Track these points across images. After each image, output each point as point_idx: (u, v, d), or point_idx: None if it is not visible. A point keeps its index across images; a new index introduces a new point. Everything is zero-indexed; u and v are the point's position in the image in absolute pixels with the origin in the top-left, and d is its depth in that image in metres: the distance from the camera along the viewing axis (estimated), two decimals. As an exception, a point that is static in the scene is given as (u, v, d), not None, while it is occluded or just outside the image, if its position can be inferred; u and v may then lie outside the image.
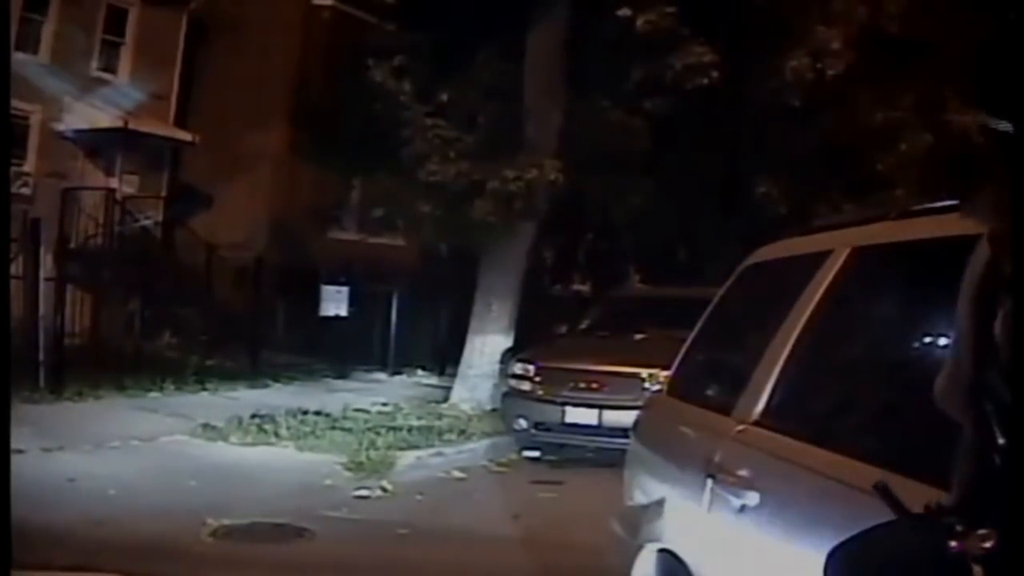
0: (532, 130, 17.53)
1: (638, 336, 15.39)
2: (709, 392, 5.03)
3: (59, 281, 19.00)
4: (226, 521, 9.97)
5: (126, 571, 7.95)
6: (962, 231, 2.00)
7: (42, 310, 17.93)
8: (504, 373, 16.51)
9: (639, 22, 16.90)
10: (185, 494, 11.12)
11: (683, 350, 5.59)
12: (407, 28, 19.49)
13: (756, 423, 3.98)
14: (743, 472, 3.79)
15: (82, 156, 25.87)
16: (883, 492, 1.95)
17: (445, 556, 9.44)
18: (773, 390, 3.99)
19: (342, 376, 22.30)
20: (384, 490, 12.10)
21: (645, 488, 5.22)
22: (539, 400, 14.52)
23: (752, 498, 3.62)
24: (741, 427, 4.04)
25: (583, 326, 17.04)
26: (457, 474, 13.48)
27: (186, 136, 26.99)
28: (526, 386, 14.80)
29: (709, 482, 4.02)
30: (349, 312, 23.30)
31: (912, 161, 20.94)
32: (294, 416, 15.81)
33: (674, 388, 5.60)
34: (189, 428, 14.81)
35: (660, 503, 4.74)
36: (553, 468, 14.10)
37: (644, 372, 13.79)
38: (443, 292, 23.90)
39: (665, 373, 13.44)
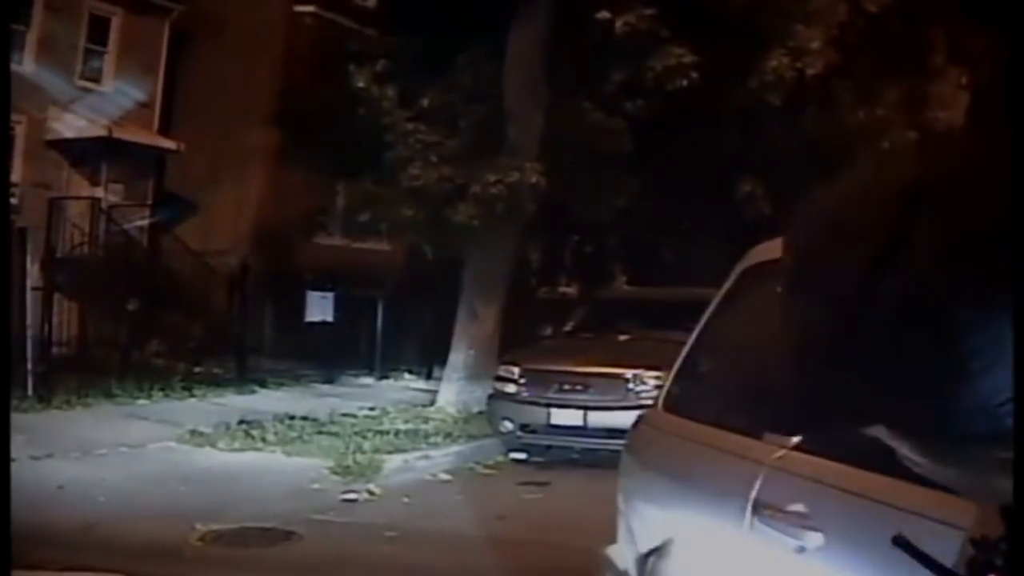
0: (513, 133, 17.58)
1: (622, 337, 15.49)
2: (722, 410, 4.44)
3: (46, 290, 19.03)
4: (215, 526, 10.04)
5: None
6: None
7: (29, 319, 17.97)
8: (490, 376, 16.56)
9: (618, 24, 16.97)
10: (174, 500, 11.17)
11: (679, 361, 5.08)
12: (388, 33, 19.56)
13: (799, 447, 3.44)
14: (797, 507, 3.26)
15: (67, 165, 25.91)
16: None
17: (432, 558, 9.51)
18: None
19: (329, 381, 22.34)
20: (371, 493, 12.16)
21: (651, 523, 4.66)
22: (524, 402, 14.56)
23: (813, 539, 3.10)
24: (780, 452, 3.53)
25: (568, 328, 17.14)
26: (444, 477, 13.55)
27: (170, 144, 27.04)
28: (511, 388, 14.84)
29: (750, 519, 3.51)
30: (335, 317, 23.37)
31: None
32: (281, 421, 15.87)
33: (674, 404, 5.02)
34: (177, 434, 14.85)
35: (677, 542, 4.24)
36: (539, 469, 14.17)
37: (628, 373, 13.91)
38: (429, 296, 23.95)
39: (651, 373, 13.67)
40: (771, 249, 4.35)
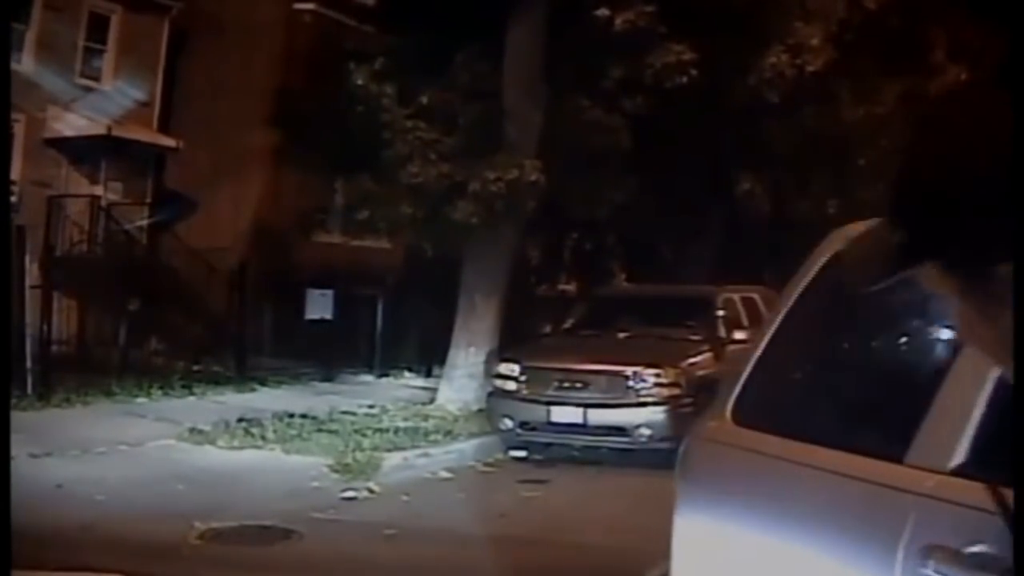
0: (512, 131, 17.57)
1: (622, 334, 15.50)
2: (829, 424, 3.61)
3: (45, 289, 19.02)
4: (214, 524, 10.04)
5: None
6: None
7: (28, 318, 17.97)
8: (490, 373, 16.55)
9: (617, 21, 16.98)
10: (173, 498, 11.17)
11: (750, 364, 4.09)
12: (387, 31, 19.57)
13: (959, 471, 2.79)
14: (979, 548, 2.55)
15: (66, 164, 25.89)
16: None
17: (432, 556, 9.52)
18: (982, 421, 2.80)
19: (328, 379, 22.32)
20: (371, 491, 12.16)
21: (738, 571, 3.68)
22: (524, 400, 14.54)
23: None
24: (937, 479, 2.86)
25: (567, 325, 17.15)
26: (444, 474, 13.54)
27: (170, 142, 27.01)
28: (511, 386, 14.82)
29: (903, 565, 2.80)
30: (334, 315, 23.39)
31: (894, 155, 21.10)
32: (281, 419, 15.85)
33: (751, 415, 3.95)
34: (177, 432, 14.85)
35: None
36: (539, 467, 14.15)
37: (628, 370, 13.94)
38: (428, 293, 23.95)
39: (650, 371, 13.68)
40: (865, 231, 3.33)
